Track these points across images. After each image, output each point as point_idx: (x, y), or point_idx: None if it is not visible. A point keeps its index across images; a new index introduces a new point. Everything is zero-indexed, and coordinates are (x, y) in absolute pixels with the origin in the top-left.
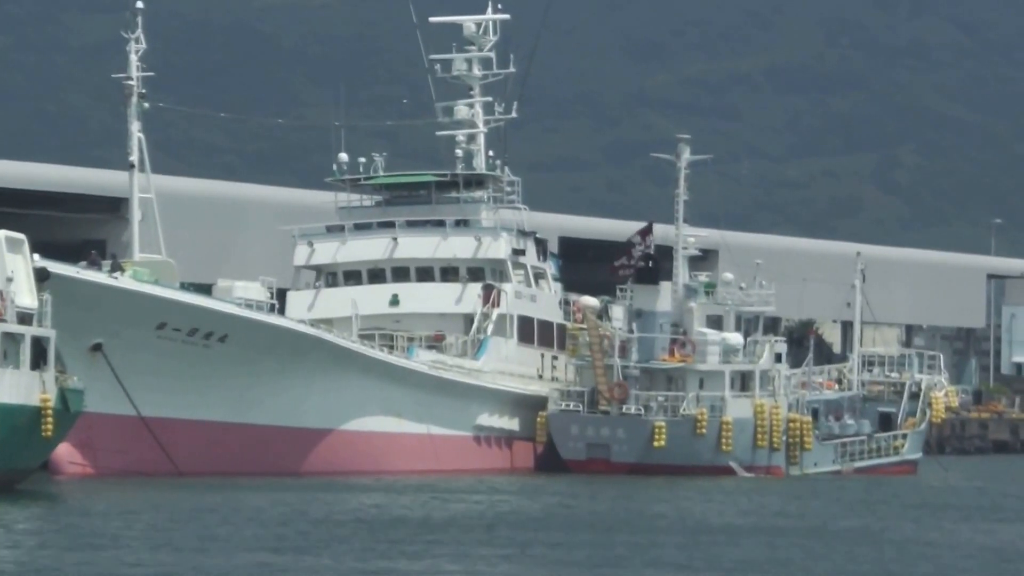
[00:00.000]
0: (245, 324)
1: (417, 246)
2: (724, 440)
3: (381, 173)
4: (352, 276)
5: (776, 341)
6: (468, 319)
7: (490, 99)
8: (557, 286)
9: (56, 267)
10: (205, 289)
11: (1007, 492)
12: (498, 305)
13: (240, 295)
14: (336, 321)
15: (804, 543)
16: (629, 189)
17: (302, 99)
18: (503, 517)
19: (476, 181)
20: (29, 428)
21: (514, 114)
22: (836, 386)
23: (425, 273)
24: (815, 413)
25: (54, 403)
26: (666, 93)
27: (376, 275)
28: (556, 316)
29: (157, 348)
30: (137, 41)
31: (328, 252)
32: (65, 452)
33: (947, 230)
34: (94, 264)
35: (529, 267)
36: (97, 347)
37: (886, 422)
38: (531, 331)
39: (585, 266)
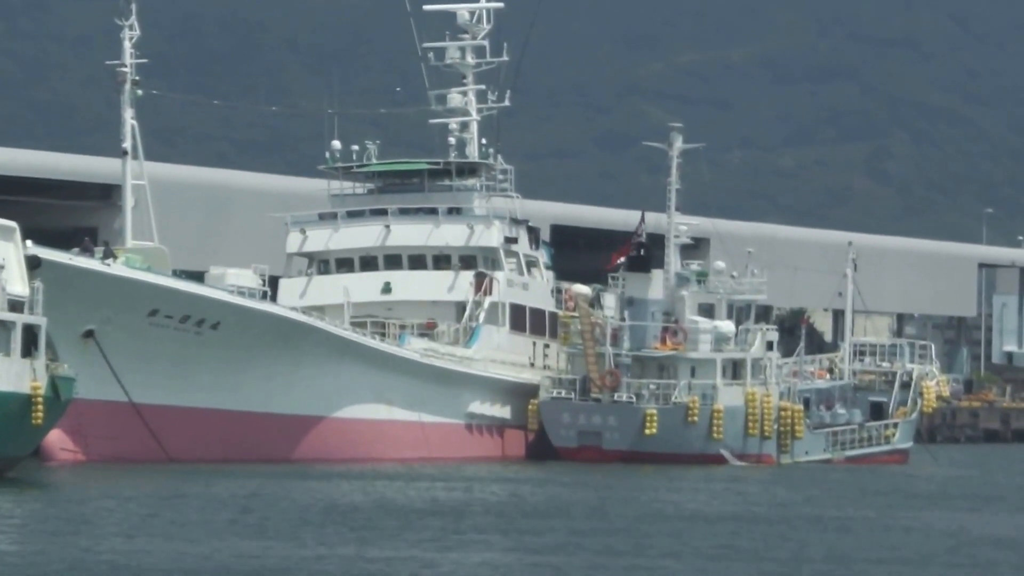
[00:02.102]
0: (237, 311)
1: (409, 234)
2: (715, 428)
3: (374, 161)
4: (344, 263)
5: (768, 329)
6: (460, 307)
7: (483, 87)
8: (549, 274)
9: (48, 254)
10: (197, 276)
11: (985, 480)
12: (490, 293)
13: (232, 282)
14: (328, 308)
15: (761, 530)
16: (621, 178)
17: (295, 87)
18: (475, 505)
19: (469, 169)
20: (19, 416)
21: (507, 102)
22: (827, 375)
23: (417, 261)
24: (806, 402)
25: (45, 391)
26: (659, 82)
27: (368, 263)
28: (548, 304)
29: (149, 335)
30: (131, 28)
31: (320, 239)
32: (56, 439)
33: (938, 219)
34: (87, 251)
35: (521, 255)
36: (89, 334)
37: (877, 411)
38: (523, 319)
39: (577, 254)
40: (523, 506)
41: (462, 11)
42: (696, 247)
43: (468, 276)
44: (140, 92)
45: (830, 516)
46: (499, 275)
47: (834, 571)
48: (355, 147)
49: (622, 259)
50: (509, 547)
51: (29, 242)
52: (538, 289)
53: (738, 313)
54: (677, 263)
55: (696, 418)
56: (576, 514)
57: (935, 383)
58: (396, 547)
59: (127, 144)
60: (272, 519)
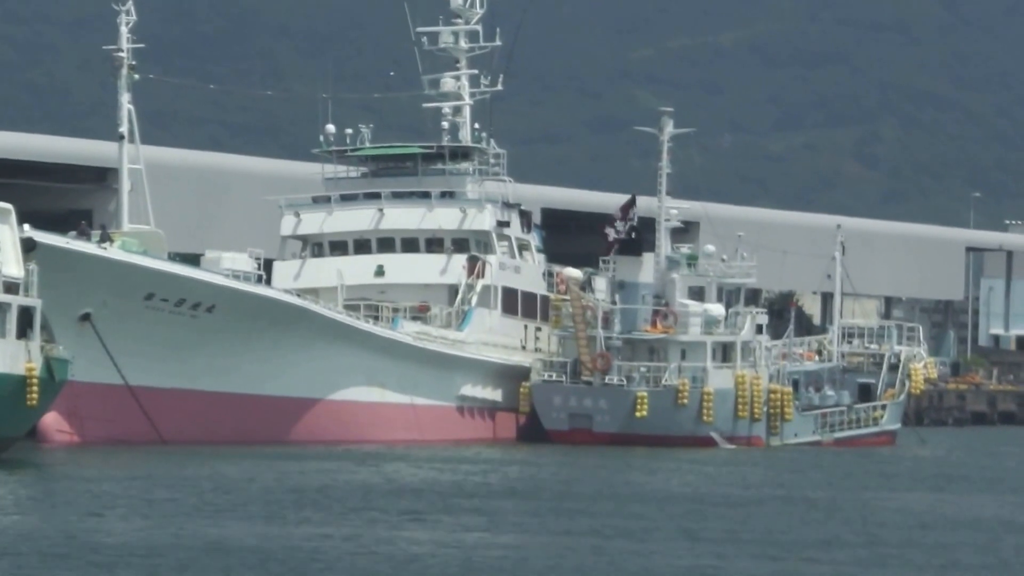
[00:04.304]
0: (232, 295)
1: (403, 217)
2: (705, 410)
3: (367, 145)
4: (338, 246)
5: (757, 312)
6: (453, 290)
7: (476, 72)
8: (541, 257)
9: (44, 237)
10: (193, 259)
11: (962, 462)
12: (482, 276)
13: (228, 266)
14: (322, 291)
15: (712, 511)
16: (612, 162)
17: (289, 71)
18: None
19: (462, 153)
20: (14, 397)
21: (500, 87)
22: (816, 357)
23: (410, 244)
24: (795, 384)
25: (39, 372)
26: (649, 67)
27: (362, 246)
28: (540, 287)
29: (145, 318)
30: (128, 13)
31: (314, 222)
32: (52, 421)
33: (927, 203)
34: (83, 234)
35: (513, 239)
36: (86, 317)
37: (865, 393)
38: (515, 302)
39: (568, 238)
40: (499, 487)
41: None
42: (686, 231)
43: (461, 259)
44: (137, 76)
45: (799, 498)
46: (491, 258)
47: (781, 554)
48: (349, 131)
49: (615, 228)
50: (479, 527)
51: (27, 226)
52: (530, 272)
53: (728, 296)
54: (668, 247)
55: (686, 400)
56: (545, 495)
57: (923, 365)
58: (384, 528)
59: (124, 128)
60: (261, 500)
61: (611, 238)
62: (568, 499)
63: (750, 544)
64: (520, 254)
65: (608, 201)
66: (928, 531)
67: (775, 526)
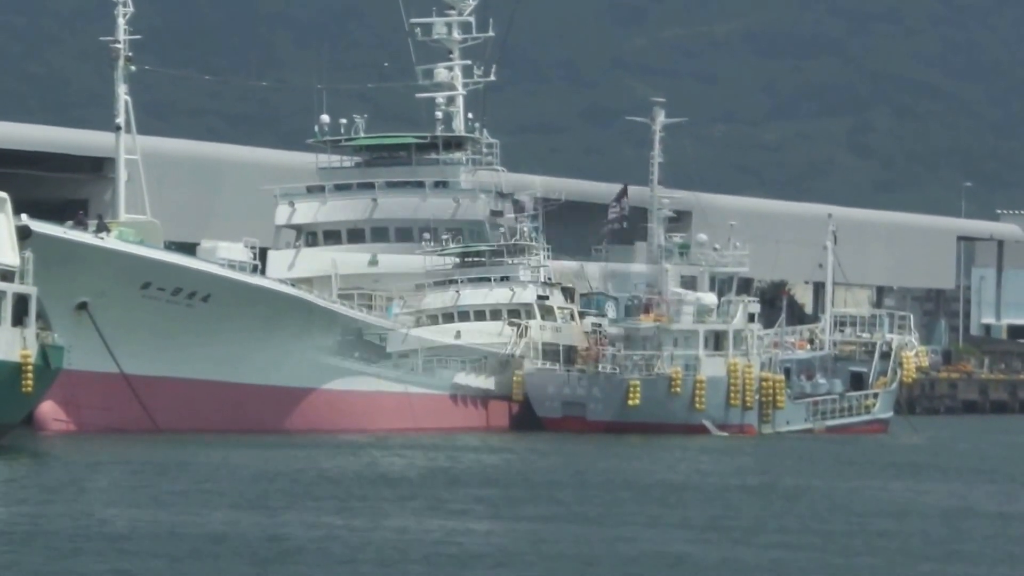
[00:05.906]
0: (228, 284)
1: (396, 207)
2: (698, 399)
3: (362, 135)
4: (332, 236)
5: (749, 301)
6: None
7: (469, 62)
8: None
9: (41, 227)
10: (189, 249)
11: (941, 451)
12: None
13: (223, 255)
14: (316, 280)
15: (678, 499)
16: (605, 151)
17: (284, 62)
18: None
19: (455, 143)
20: (10, 384)
21: (493, 77)
22: (808, 346)
23: (404, 233)
24: (787, 372)
25: (35, 359)
26: (642, 57)
27: (356, 235)
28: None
29: (141, 307)
30: (125, 5)
31: (309, 212)
32: (50, 409)
33: (918, 193)
34: (81, 224)
35: (507, 228)
36: (83, 306)
37: (857, 381)
38: None
39: (561, 227)
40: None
41: None
42: (679, 220)
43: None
44: (134, 68)
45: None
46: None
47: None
48: (343, 121)
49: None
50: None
51: (24, 216)
52: None
53: (720, 285)
54: (660, 236)
55: (679, 389)
56: (529, 483)
57: (915, 354)
58: (368, 516)
59: (121, 119)
60: (248, 489)
61: (611, 216)
62: (557, 487)
63: (720, 531)
64: None
65: (601, 191)
66: (869, 519)
67: (744, 514)
